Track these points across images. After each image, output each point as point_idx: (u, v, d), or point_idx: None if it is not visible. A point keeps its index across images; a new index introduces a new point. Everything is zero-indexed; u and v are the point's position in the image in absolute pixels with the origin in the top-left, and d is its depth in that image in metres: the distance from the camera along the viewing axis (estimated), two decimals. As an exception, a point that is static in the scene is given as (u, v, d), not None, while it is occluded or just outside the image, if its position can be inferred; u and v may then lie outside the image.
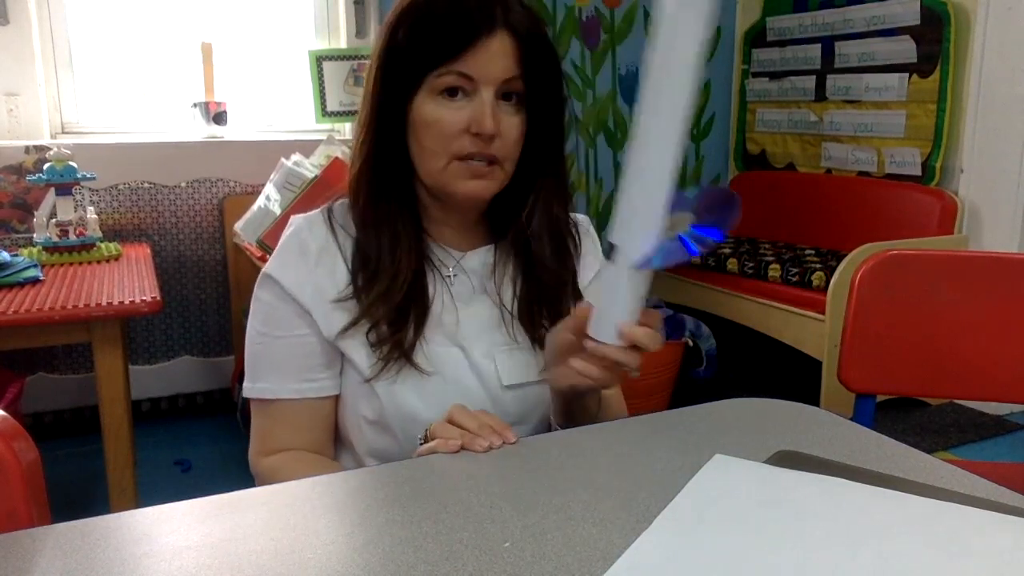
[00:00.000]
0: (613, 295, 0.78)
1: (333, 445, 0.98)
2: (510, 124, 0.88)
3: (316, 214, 0.95)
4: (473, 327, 0.95)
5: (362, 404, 0.93)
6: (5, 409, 0.92)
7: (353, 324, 0.90)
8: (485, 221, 0.98)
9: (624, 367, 0.81)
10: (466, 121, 0.86)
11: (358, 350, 0.91)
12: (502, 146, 0.88)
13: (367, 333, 0.90)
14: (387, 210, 0.92)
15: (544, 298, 0.97)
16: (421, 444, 0.83)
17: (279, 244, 0.94)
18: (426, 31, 0.86)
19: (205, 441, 2.63)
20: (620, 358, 0.79)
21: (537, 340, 0.97)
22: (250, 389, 0.94)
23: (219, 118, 2.76)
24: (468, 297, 0.96)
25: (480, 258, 0.98)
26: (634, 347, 0.79)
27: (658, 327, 0.80)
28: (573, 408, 0.93)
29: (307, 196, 2.26)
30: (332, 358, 0.93)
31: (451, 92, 0.86)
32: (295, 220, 0.95)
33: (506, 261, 0.98)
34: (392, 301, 0.89)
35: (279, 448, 0.93)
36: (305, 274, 0.91)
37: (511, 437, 0.78)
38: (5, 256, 1.95)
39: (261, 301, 0.93)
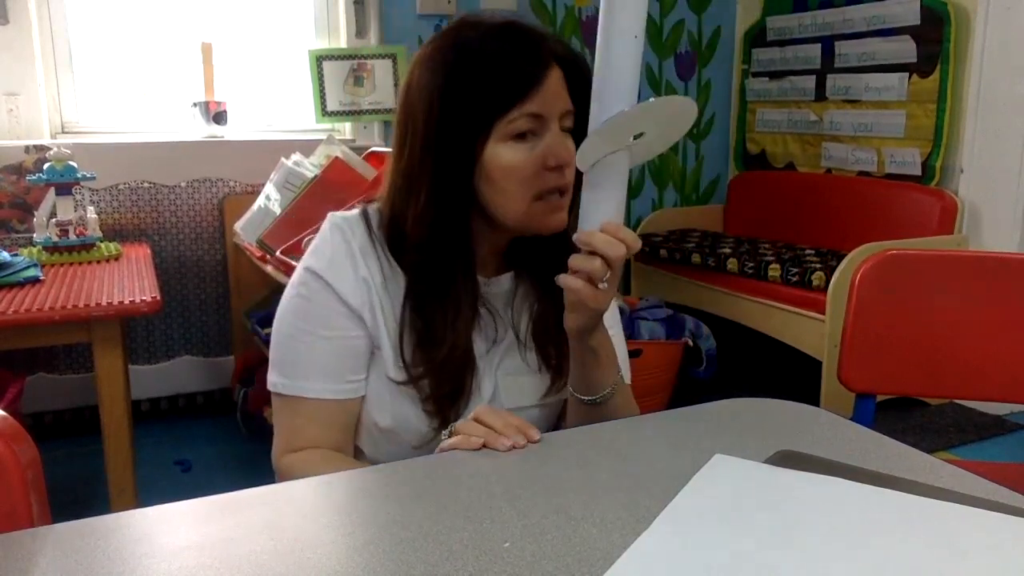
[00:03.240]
0: (597, 193, 0.83)
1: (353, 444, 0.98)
2: (572, 152, 0.89)
3: (355, 216, 0.95)
4: (485, 348, 0.97)
5: (375, 411, 0.94)
6: (5, 409, 0.92)
7: (410, 382, 0.92)
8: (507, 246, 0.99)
9: (606, 260, 0.82)
10: (542, 158, 0.87)
11: (389, 356, 0.93)
12: (570, 174, 0.90)
13: (417, 382, 0.92)
14: (449, 259, 0.91)
15: (559, 323, 0.96)
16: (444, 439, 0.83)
17: (320, 240, 0.94)
18: (489, 77, 0.86)
19: (205, 441, 2.63)
20: (606, 249, 0.82)
21: (547, 363, 0.99)
22: (285, 385, 0.93)
23: (219, 118, 2.76)
24: (487, 321, 0.97)
25: (503, 285, 0.99)
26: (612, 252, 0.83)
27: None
28: (590, 397, 0.94)
29: (307, 196, 2.26)
30: (368, 359, 0.94)
31: (521, 135, 0.87)
32: (335, 218, 0.95)
33: (527, 288, 0.99)
34: (448, 371, 0.90)
35: (306, 445, 0.93)
36: (354, 276, 0.91)
37: (535, 435, 0.78)
38: (5, 256, 1.95)
39: (307, 298, 0.92)
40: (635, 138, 0.83)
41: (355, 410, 0.95)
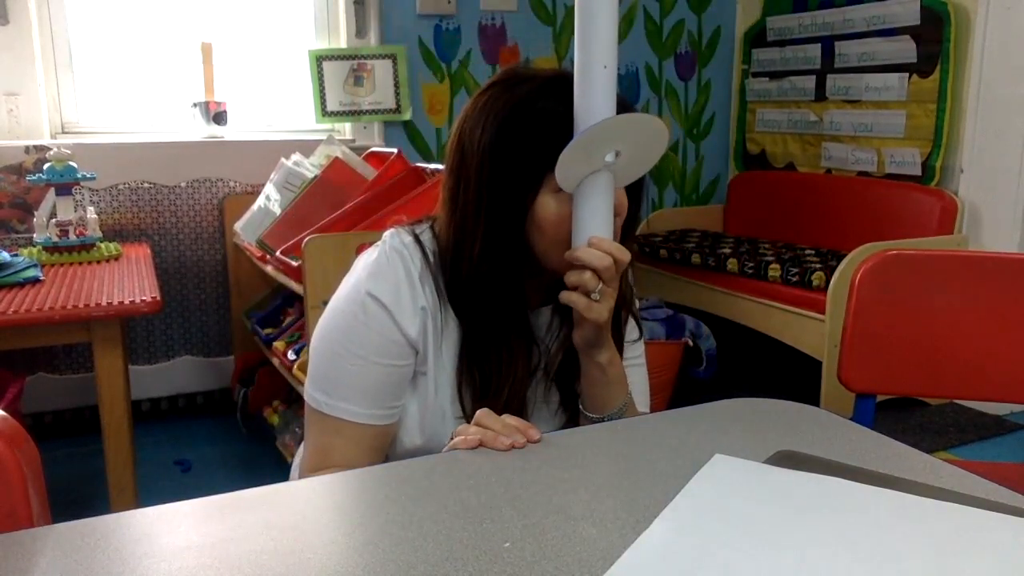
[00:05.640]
0: (584, 212, 0.88)
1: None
2: (618, 199, 0.92)
3: (410, 240, 0.95)
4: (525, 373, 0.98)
5: (406, 433, 0.96)
6: (5, 409, 0.92)
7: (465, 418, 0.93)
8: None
9: (597, 272, 0.87)
10: None
11: (437, 389, 0.95)
12: (618, 222, 0.92)
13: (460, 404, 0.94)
14: (501, 303, 0.93)
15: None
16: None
17: (380, 264, 0.94)
18: (539, 132, 0.88)
19: (205, 441, 2.63)
20: (592, 261, 0.86)
21: (566, 402, 1.01)
22: (327, 404, 0.93)
23: (219, 118, 2.76)
24: (523, 354, 0.98)
25: (543, 316, 1.00)
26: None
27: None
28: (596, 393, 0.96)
29: (307, 196, 2.26)
30: (409, 384, 0.95)
31: None
32: (393, 241, 0.95)
33: (561, 322, 1.00)
34: (498, 410, 0.91)
35: (339, 464, 0.92)
36: (413, 306, 0.92)
37: (535, 435, 0.79)
38: (5, 256, 1.95)
39: (365, 324, 0.92)
40: (615, 157, 0.87)
41: (392, 433, 0.96)
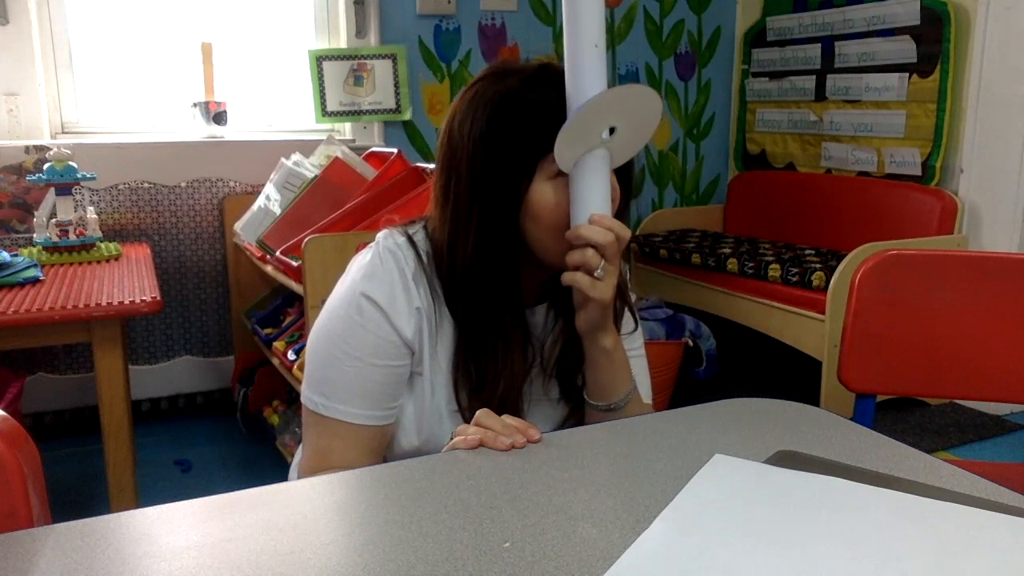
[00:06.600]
0: (582, 190, 0.88)
1: None
2: (616, 184, 0.92)
3: (403, 240, 0.95)
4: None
5: (403, 434, 0.96)
6: (5, 409, 0.92)
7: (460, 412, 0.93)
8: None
9: (600, 249, 0.87)
10: None
11: (433, 388, 0.95)
12: (613, 207, 0.91)
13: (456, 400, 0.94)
14: (498, 299, 0.93)
15: (583, 356, 0.98)
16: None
17: (374, 265, 0.93)
18: (531, 119, 0.88)
19: (205, 441, 2.63)
20: (595, 237, 0.86)
21: (567, 395, 1.00)
22: (324, 406, 0.92)
23: (219, 118, 2.76)
24: (520, 348, 0.98)
25: (539, 315, 1.00)
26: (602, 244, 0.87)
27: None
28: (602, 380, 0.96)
29: (307, 196, 2.26)
30: (406, 385, 0.95)
31: (563, 172, 0.88)
32: (387, 243, 0.95)
33: (557, 318, 1.00)
34: (502, 410, 0.90)
35: (338, 466, 0.92)
36: (408, 307, 0.92)
37: (535, 435, 0.78)
38: (5, 256, 1.95)
39: (361, 325, 0.91)
40: (610, 134, 0.87)
41: (390, 434, 0.96)
